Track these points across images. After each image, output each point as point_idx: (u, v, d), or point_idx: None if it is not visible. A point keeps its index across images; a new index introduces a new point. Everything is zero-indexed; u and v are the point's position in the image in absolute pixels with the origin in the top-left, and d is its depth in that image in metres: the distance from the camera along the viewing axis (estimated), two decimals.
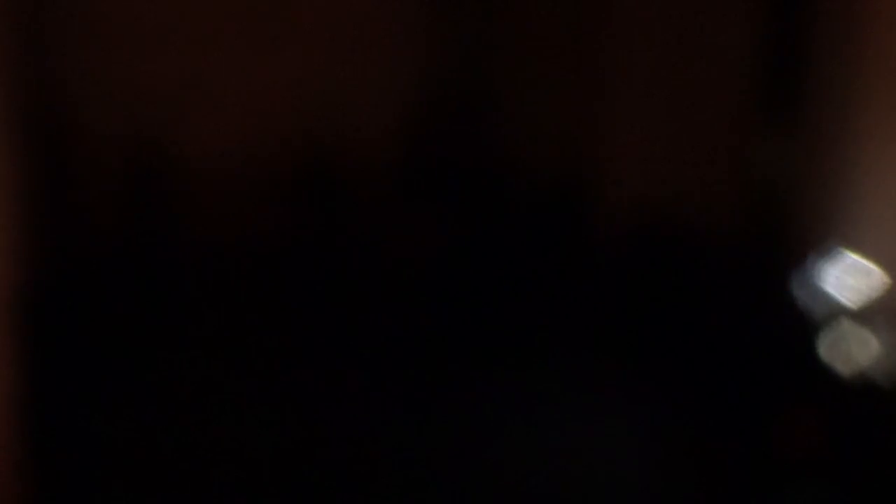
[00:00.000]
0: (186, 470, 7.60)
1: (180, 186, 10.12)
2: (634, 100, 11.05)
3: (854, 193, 8.42)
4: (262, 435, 8.11)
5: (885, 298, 8.12)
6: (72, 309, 10.34)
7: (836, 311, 7.69)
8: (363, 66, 11.89)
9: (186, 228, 10.17)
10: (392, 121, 11.44)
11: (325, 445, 8.03)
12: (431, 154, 11.15)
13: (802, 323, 8.46)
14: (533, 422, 8.50)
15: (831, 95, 8.83)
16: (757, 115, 10.87)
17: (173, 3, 11.49)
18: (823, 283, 7.93)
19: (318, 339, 9.48)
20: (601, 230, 11.18)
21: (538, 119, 12.10)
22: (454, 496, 7.45)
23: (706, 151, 10.96)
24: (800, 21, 9.45)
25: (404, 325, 9.81)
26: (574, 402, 8.76)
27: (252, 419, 8.37)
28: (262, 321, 9.98)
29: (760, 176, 10.83)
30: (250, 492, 7.42)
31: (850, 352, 7.26)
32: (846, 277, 7.94)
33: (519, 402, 8.77)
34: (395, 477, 7.62)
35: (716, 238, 10.63)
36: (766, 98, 10.67)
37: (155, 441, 7.96)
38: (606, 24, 11.03)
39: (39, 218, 10.76)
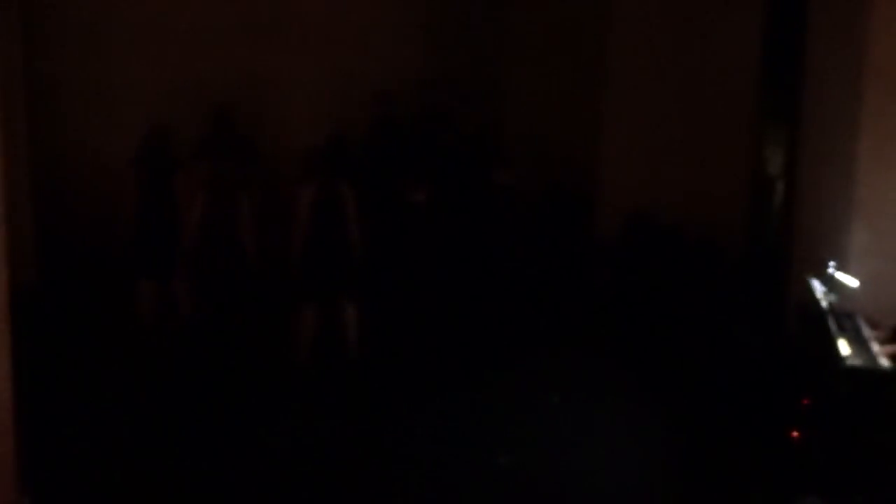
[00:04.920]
0: (179, 466, 7.62)
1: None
2: (636, 105, 11.08)
3: (851, 202, 8.42)
4: (254, 436, 8.15)
5: (873, 304, 8.17)
6: (67, 308, 10.45)
7: (830, 313, 7.69)
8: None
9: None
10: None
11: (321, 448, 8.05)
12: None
13: (798, 323, 8.47)
14: (531, 415, 8.56)
15: (831, 106, 8.83)
16: (757, 122, 10.90)
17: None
18: (819, 287, 7.94)
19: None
20: (603, 233, 11.21)
21: (543, 126, 12.17)
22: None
23: (707, 156, 10.97)
24: (801, 34, 9.46)
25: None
26: (570, 396, 8.82)
27: (248, 419, 8.41)
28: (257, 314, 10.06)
29: (760, 182, 10.85)
30: (243, 486, 7.44)
31: (842, 352, 7.27)
32: (840, 282, 7.96)
33: (520, 396, 8.85)
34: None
35: (714, 241, 10.63)
36: (767, 108, 10.69)
37: (150, 437, 8.01)
38: (611, 34, 11.07)
39: (38, 221, 10.85)
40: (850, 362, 7.17)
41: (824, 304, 7.78)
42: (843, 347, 7.30)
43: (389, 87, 11.55)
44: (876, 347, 7.48)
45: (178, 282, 9.82)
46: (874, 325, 7.90)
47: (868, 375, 7.14)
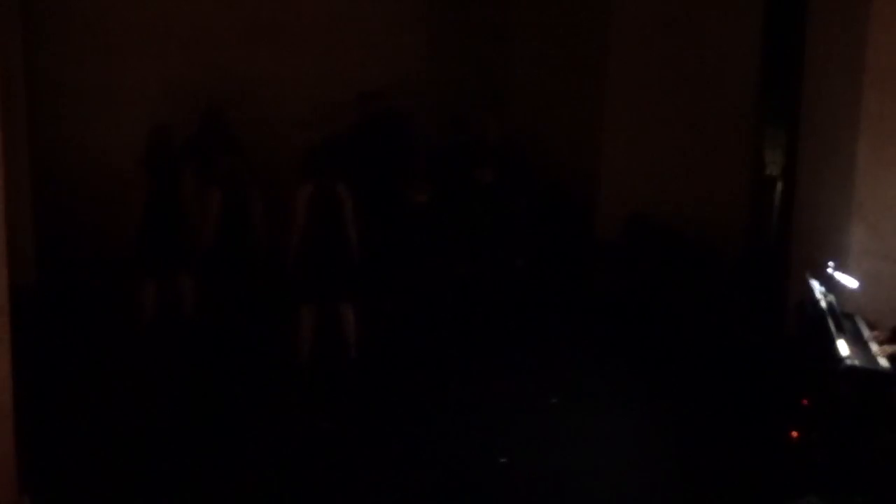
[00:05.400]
0: (178, 466, 7.63)
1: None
2: (636, 107, 11.09)
3: (851, 202, 8.43)
4: (253, 435, 8.16)
5: (873, 304, 8.18)
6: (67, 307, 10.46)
7: (830, 313, 7.70)
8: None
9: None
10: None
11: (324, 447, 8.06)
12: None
13: (798, 323, 8.47)
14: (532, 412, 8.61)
15: (831, 107, 8.83)
16: (757, 123, 10.90)
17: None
18: (819, 287, 7.94)
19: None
20: (603, 234, 11.21)
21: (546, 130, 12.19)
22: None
23: (707, 157, 10.98)
24: (801, 35, 9.46)
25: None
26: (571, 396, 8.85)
27: (246, 419, 8.43)
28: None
29: (760, 183, 10.86)
30: (243, 486, 7.45)
31: (842, 352, 7.28)
32: (839, 282, 7.98)
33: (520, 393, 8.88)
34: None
35: (714, 242, 10.65)
36: (767, 109, 10.68)
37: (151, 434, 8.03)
38: (611, 35, 11.08)
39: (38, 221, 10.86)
40: (849, 362, 7.17)
41: (824, 304, 7.78)
42: (843, 348, 7.30)
43: (391, 88, 11.60)
44: (875, 348, 7.48)
45: (183, 280, 9.82)
46: (873, 326, 7.91)
47: (867, 376, 7.13)
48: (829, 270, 8.07)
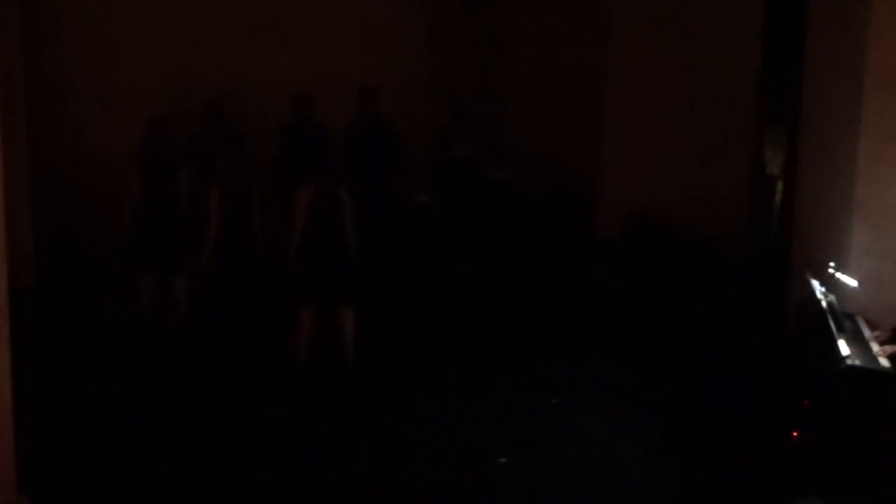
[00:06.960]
0: (176, 467, 7.64)
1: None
2: (636, 105, 11.10)
3: (851, 202, 8.43)
4: (251, 438, 8.16)
5: (873, 304, 8.18)
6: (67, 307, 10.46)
7: (830, 313, 7.70)
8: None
9: None
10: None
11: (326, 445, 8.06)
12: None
13: (798, 323, 8.48)
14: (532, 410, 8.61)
15: (831, 106, 8.83)
16: (757, 122, 10.91)
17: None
18: (819, 287, 7.95)
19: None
20: (603, 233, 11.22)
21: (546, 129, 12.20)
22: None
23: (707, 156, 10.98)
24: (801, 34, 9.46)
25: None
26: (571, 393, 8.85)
27: (244, 421, 8.43)
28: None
29: (760, 182, 10.86)
30: (241, 488, 7.45)
31: (842, 352, 7.28)
32: (840, 282, 7.98)
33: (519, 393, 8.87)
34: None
35: (714, 241, 10.64)
36: (767, 108, 10.68)
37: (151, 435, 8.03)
38: (611, 34, 11.09)
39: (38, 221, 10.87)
40: (850, 362, 7.17)
41: (824, 304, 7.79)
42: (843, 347, 7.30)
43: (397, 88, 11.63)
44: (876, 348, 7.48)
45: (177, 279, 9.80)
46: (874, 326, 7.91)
47: (868, 375, 7.14)
48: (830, 270, 8.07)
